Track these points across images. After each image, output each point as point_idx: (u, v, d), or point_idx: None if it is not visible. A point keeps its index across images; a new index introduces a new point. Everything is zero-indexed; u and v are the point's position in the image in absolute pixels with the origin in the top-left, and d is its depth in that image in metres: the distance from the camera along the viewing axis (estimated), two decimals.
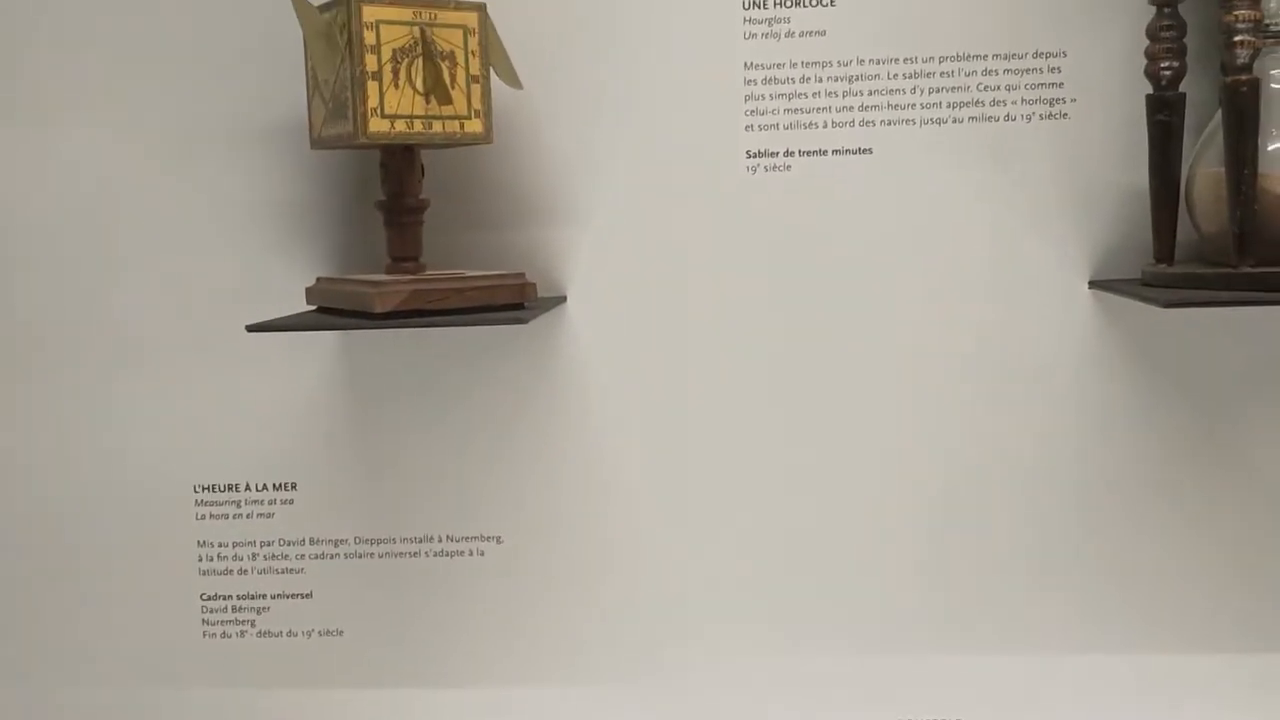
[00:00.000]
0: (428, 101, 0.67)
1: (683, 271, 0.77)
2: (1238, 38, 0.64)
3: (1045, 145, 0.75)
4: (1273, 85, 0.69)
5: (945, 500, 0.78)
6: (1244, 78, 0.64)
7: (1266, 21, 0.69)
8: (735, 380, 0.78)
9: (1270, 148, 0.68)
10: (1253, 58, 0.65)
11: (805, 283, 0.77)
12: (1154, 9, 0.70)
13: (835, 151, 0.76)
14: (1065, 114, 0.75)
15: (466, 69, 0.69)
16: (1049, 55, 0.75)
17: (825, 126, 0.76)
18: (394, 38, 0.67)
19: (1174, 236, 0.72)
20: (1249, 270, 0.65)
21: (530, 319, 0.67)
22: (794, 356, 0.77)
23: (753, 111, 0.76)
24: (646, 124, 0.76)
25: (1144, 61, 0.71)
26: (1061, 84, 0.75)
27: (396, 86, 0.67)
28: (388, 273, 0.71)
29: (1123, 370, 0.76)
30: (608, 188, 0.76)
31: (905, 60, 0.75)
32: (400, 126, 0.67)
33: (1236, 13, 0.64)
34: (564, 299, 0.77)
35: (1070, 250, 0.75)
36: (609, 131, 0.76)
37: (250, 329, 0.68)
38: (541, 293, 0.76)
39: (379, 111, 0.66)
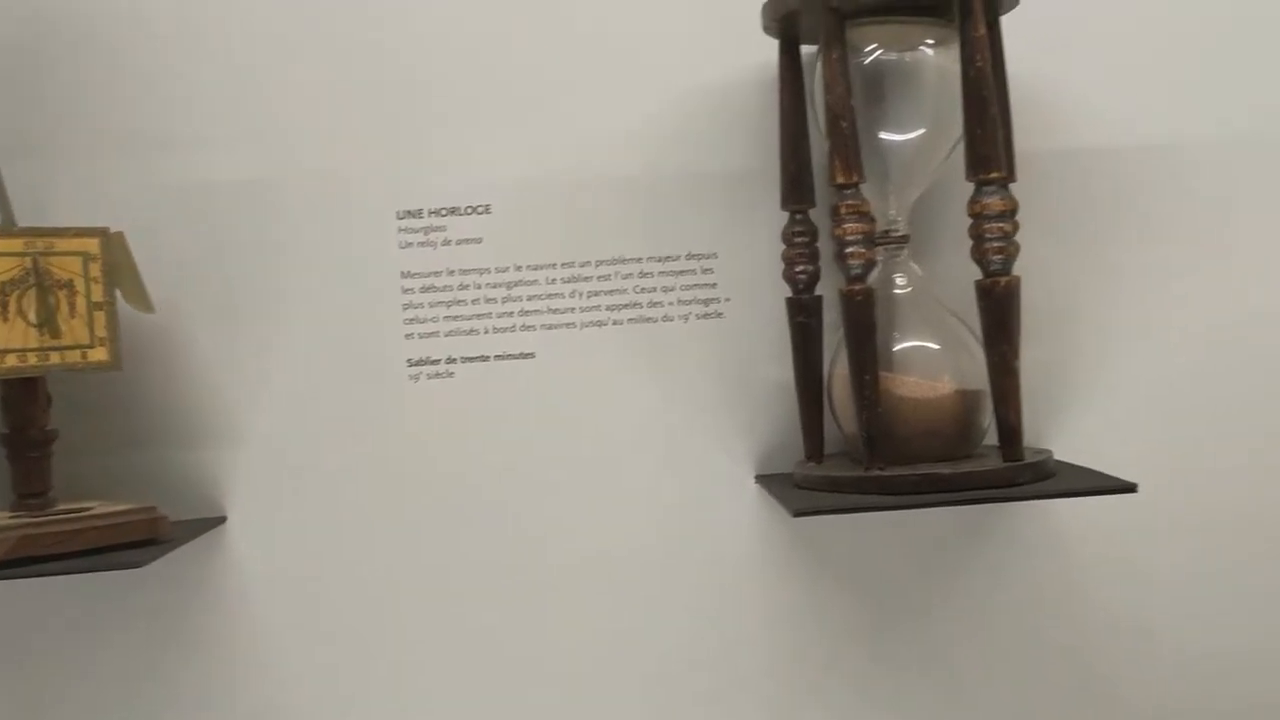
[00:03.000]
0: (41, 333, 0.65)
1: (349, 483, 0.75)
2: (849, 249, 0.67)
3: (703, 344, 0.76)
4: (896, 291, 0.71)
5: (641, 693, 0.77)
6: (858, 288, 0.66)
7: (886, 228, 0.72)
8: (410, 593, 0.76)
9: (895, 349, 0.70)
10: (868, 268, 0.67)
11: (473, 489, 0.75)
12: (787, 214, 0.73)
13: (498, 357, 0.76)
14: (720, 313, 0.76)
15: (88, 296, 0.67)
16: (701, 257, 0.76)
17: (486, 332, 0.76)
18: (3, 269, 0.65)
19: (821, 434, 0.73)
20: (877, 474, 0.67)
21: (152, 560, 0.64)
22: (469, 566, 0.76)
23: (412, 320, 0.75)
24: (305, 337, 0.75)
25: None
26: (715, 284, 0.76)
27: (6, 319, 0.64)
28: (11, 510, 0.67)
29: (794, 561, 0.76)
30: (268, 402, 0.75)
31: (563, 265, 0.76)
32: (12, 360, 0.65)
33: (846, 226, 0.66)
34: (224, 519, 0.75)
35: (735, 446, 0.76)
36: (266, 346, 0.75)
37: None
38: (200, 514, 0.74)
39: None
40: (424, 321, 0.75)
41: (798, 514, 0.64)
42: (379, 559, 0.75)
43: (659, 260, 0.76)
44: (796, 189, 0.72)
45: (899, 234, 0.71)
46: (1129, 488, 0.65)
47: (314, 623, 0.75)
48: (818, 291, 0.72)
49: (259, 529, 0.75)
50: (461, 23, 0.75)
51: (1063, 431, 0.76)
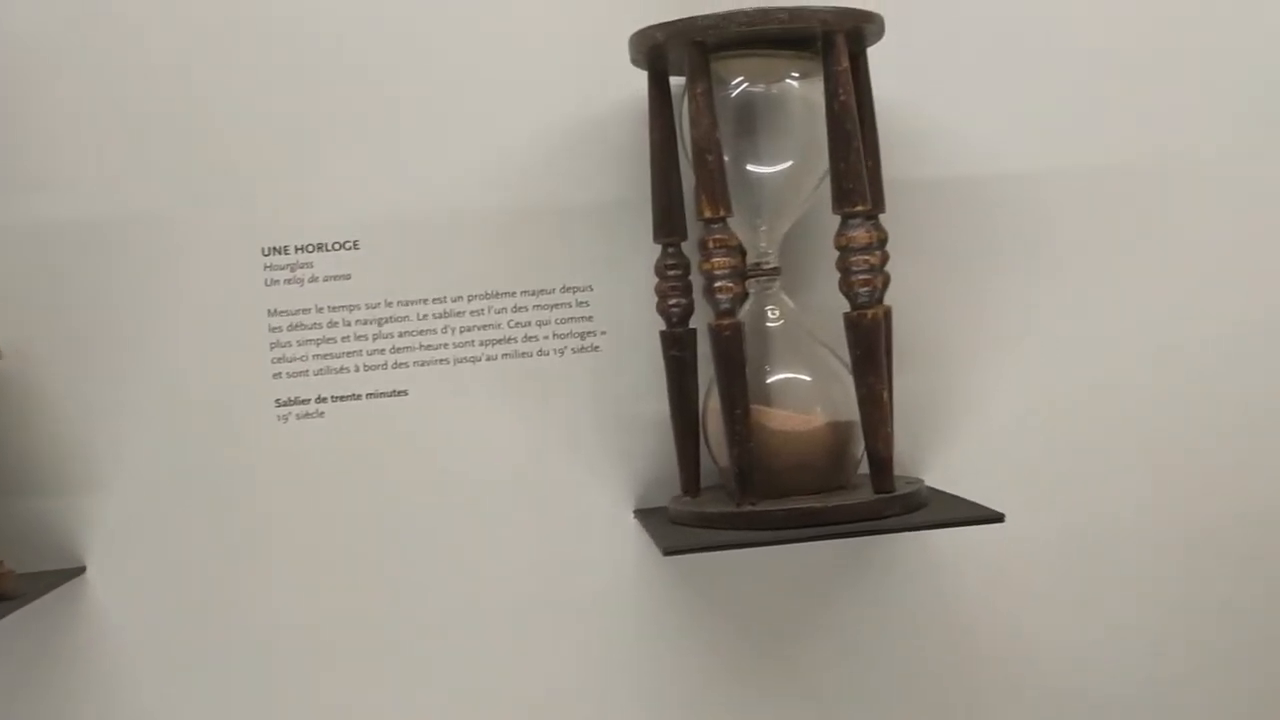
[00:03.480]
0: None
1: (215, 529, 0.73)
2: (717, 284, 0.66)
3: (580, 378, 0.75)
4: (768, 323, 0.71)
5: None
6: (726, 323, 0.66)
7: (757, 261, 0.72)
8: (279, 646, 0.73)
9: (768, 382, 0.70)
10: (737, 301, 0.67)
11: (346, 533, 0.74)
12: (660, 247, 0.72)
13: (369, 395, 0.74)
14: (597, 346, 0.75)
15: None
16: (576, 289, 0.75)
17: (357, 370, 0.74)
18: None
19: (698, 468, 0.72)
20: (749, 509, 0.66)
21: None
22: (341, 615, 0.74)
23: (280, 359, 0.73)
24: (167, 379, 0.73)
25: None
26: (591, 317, 0.75)
27: None
28: None
29: (674, 595, 0.75)
30: (129, 447, 0.72)
31: (434, 300, 0.74)
32: None
33: (714, 260, 0.66)
34: (83, 569, 0.72)
35: (614, 481, 0.75)
36: (125, 389, 0.72)
37: None
38: (58, 564, 0.71)
39: None
40: (292, 360, 0.73)
41: (668, 553, 0.63)
42: (245, 610, 0.73)
43: (533, 294, 0.75)
44: (668, 221, 0.71)
45: (770, 266, 0.71)
46: (996, 518, 0.65)
47: (177, 674, 0.73)
48: (691, 324, 0.71)
49: (120, 579, 0.72)
50: (326, 55, 0.74)
51: (938, 459, 0.76)
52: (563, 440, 0.75)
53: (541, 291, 0.75)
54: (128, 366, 0.72)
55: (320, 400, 0.74)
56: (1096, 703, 0.78)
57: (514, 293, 0.75)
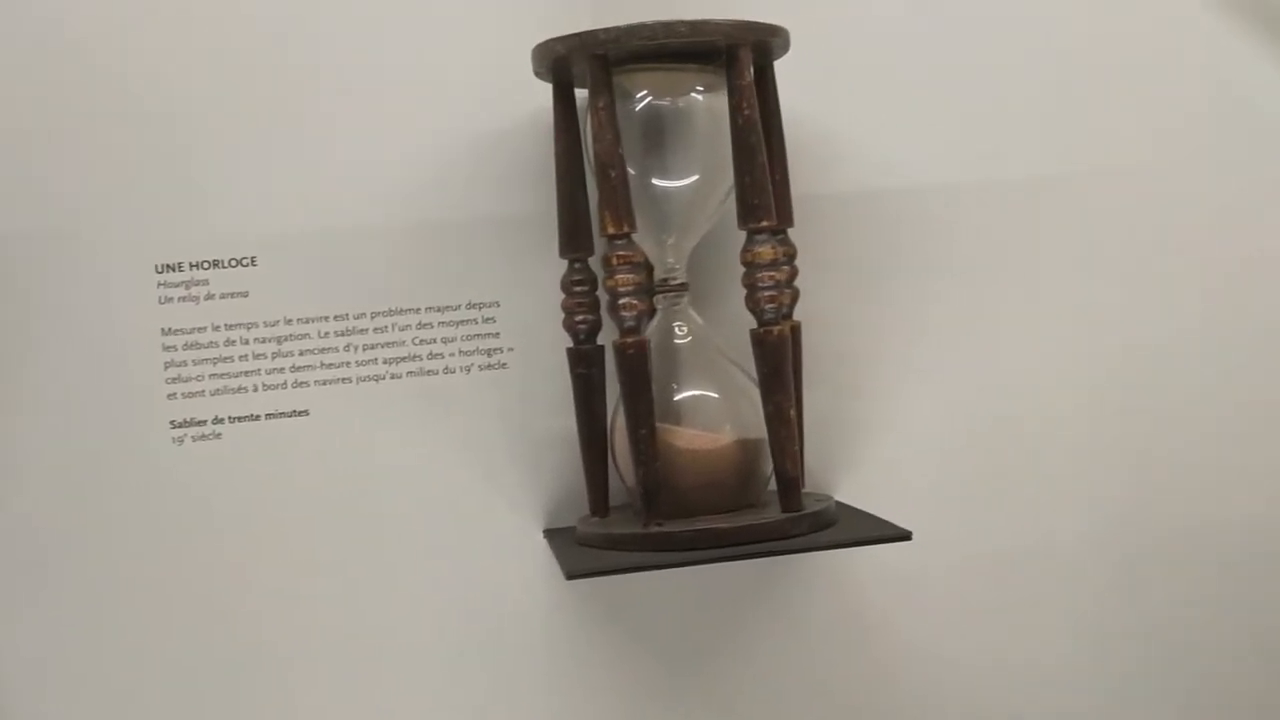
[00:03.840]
0: None
1: (109, 552, 0.70)
2: (622, 301, 0.65)
3: (487, 396, 0.73)
4: (676, 340, 0.70)
5: None
6: (630, 340, 0.64)
7: (664, 276, 0.71)
8: (169, 682, 0.71)
9: (675, 399, 0.69)
10: (642, 318, 0.66)
11: (245, 556, 0.72)
12: (566, 262, 0.71)
13: (269, 415, 0.72)
14: (504, 364, 0.74)
15: None
16: (483, 305, 0.74)
17: (256, 390, 0.72)
18: None
19: (606, 487, 0.71)
20: (655, 530, 0.65)
21: None
22: (244, 639, 0.72)
23: (175, 379, 0.71)
24: (58, 402, 0.70)
25: None
26: (498, 334, 0.74)
27: None
28: None
29: (585, 616, 0.74)
30: (13, 475, 0.70)
31: (335, 318, 0.72)
32: None
33: (618, 277, 0.65)
34: None
35: (522, 499, 0.74)
36: (14, 412, 0.69)
37: None
38: None
39: None
40: (188, 380, 0.71)
41: (570, 576, 0.62)
42: (138, 636, 0.71)
43: (438, 310, 0.73)
44: (574, 237, 0.70)
45: (678, 282, 0.70)
46: (904, 536, 0.65)
47: (62, 701, 0.70)
48: (599, 341, 0.70)
49: (7, 604, 0.69)
50: (221, 67, 0.72)
51: (849, 476, 0.75)
52: (470, 459, 0.73)
53: (447, 308, 0.74)
54: (15, 389, 0.70)
55: (217, 421, 0.72)
56: (1019, 706, 0.78)
57: (418, 309, 0.73)
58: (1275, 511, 0.79)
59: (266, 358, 0.72)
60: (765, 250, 0.65)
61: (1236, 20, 0.79)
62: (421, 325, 0.73)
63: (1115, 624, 0.78)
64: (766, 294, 0.65)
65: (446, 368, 0.73)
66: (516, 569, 0.73)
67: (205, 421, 0.71)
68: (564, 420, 0.72)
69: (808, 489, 0.73)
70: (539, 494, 0.74)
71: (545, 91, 0.70)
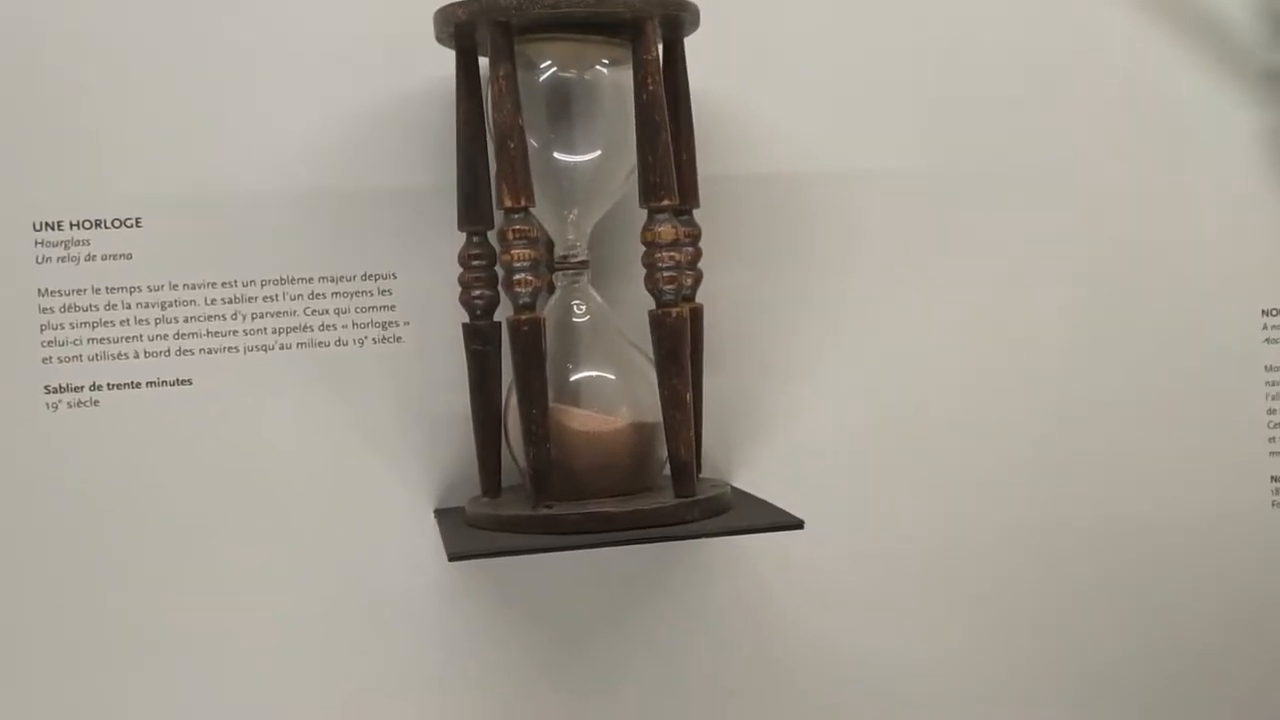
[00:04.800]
0: None
1: None
2: (516, 276, 0.63)
3: (380, 370, 0.71)
4: (575, 319, 0.69)
5: None
6: (524, 318, 0.63)
7: (565, 253, 0.69)
8: (41, 654, 0.68)
9: (571, 380, 0.68)
10: (537, 295, 0.64)
11: (123, 528, 0.69)
12: (464, 236, 0.69)
13: (150, 384, 0.69)
14: (399, 337, 0.72)
15: None
16: (379, 277, 0.72)
17: (137, 357, 0.69)
18: None
19: (498, 468, 0.69)
20: (544, 513, 0.64)
21: None
22: (122, 612, 0.69)
23: (51, 343, 0.68)
24: None
25: None
26: (394, 306, 0.72)
27: None
28: None
29: (477, 597, 0.72)
30: None
31: (224, 285, 0.70)
32: None
33: (513, 252, 0.63)
34: None
35: (414, 477, 0.72)
36: None
37: None
38: None
39: None
40: (64, 344, 0.68)
41: (453, 558, 0.60)
42: (11, 607, 0.68)
43: (332, 280, 0.71)
44: (473, 209, 0.68)
45: (579, 259, 0.68)
46: (796, 524, 0.64)
47: None
48: (496, 317, 0.68)
49: None
50: (113, 19, 0.68)
51: (750, 461, 0.75)
52: (361, 435, 0.71)
53: (341, 278, 0.71)
54: None
55: (95, 388, 0.69)
56: (903, 708, 0.78)
57: (311, 279, 0.71)
58: (1171, 505, 0.80)
59: (149, 323, 0.69)
60: (666, 230, 0.63)
61: (1150, 16, 0.80)
62: (314, 295, 0.71)
63: (1009, 616, 0.78)
64: (666, 275, 0.64)
65: (339, 340, 0.71)
66: (405, 548, 0.71)
67: (82, 388, 0.68)
68: (460, 397, 0.70)
69: (707, 474, 0.73)
70: (432, 472, 0.72)
71: (450, 57, 0.68)
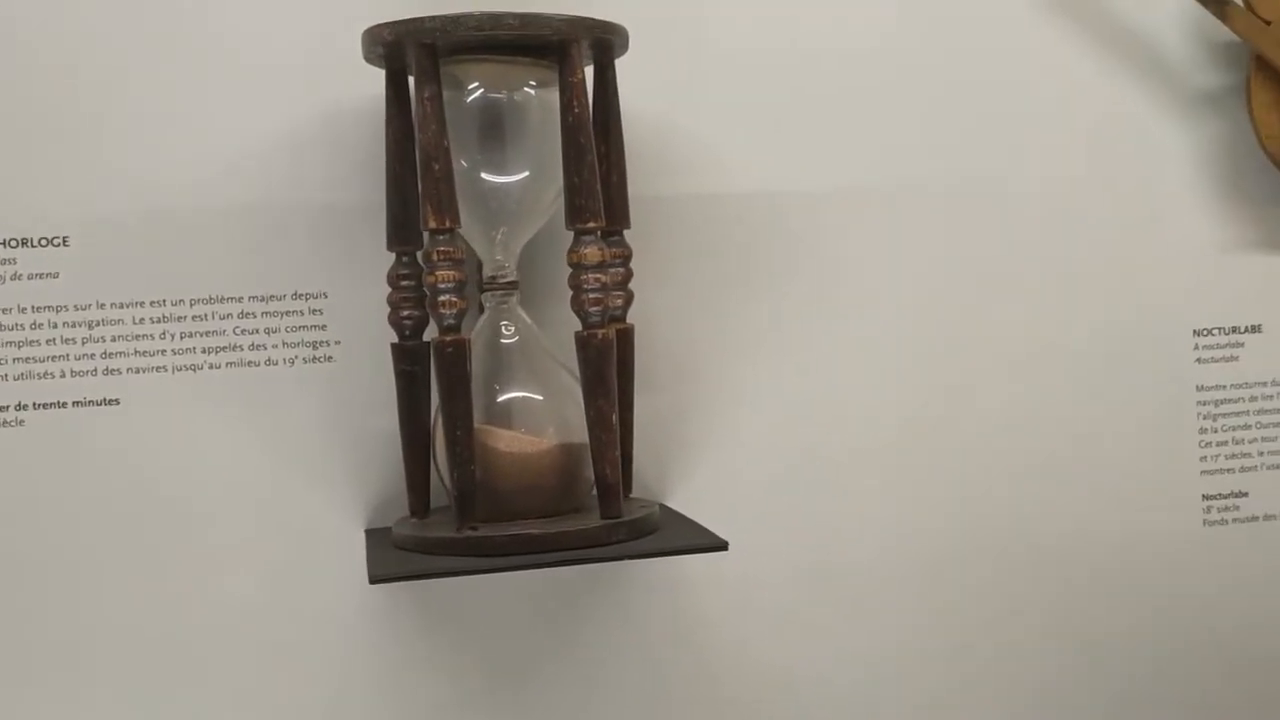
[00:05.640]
0: None
1: None
2: (441, 298, 0.63)
3: (310, 390, 0.71)
4: (502, 340, 0.68)
5: None
6: (449, 339, 0.63)
7: (494, 274, 0.69)
8: None
9: (499, 400, 0.68)
10: (462, 316, 0.63)
11: (50, 551, 0.68)
12: (394, 256, 0.69)
13: (76, 403, 0.69)
14: (330, 357, 0.71)
15: None
16: (310, 297, 0.71)
17: (63, 376, 0.68)
18: None
19: (427, 488, 0.69)
20: (469, 535, 0.63)
21: None
22: (50, 636, 0.68)
23: None
24: None
25: None
26: (324, 326, 0.71)
27: None
28: None
29: (405, 620, 0.72)
30: None
31: (152, 304, 0.69)
32: None
33: (438, 273, 0.63)
34: None
35: (345, 497, 0.71)
36: None
37: None
38: None
39: None
40: None
41: (374, 580, 0.60)
42: None
43: (262, 299, 0.71)
44: (401, 229, 0.68)
45: (507, 280, 0.68)
46: (720, 546, 0.64)
47: None
48: (425, 338, 0.68)
49: None
50: (37, 33, 0.68)
51: (681, 481, 0.75)
52: (290, 455, 0.71)
53: (271, 297, 0.71)
54: None
55: (20, 408, 0.68)
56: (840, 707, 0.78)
57: (241, 298, 0.70)
58: (1104, 524, 0.80)
59: (76, 343, 0.69)
60: (592, 251, 0.64)
61: (1082, 38, 0.80)
62: (244, 314, 0.70)
63: (940, 634, 0.79)
64: (592, 296, 0.64)
65: (269, 359, 0.71)
66: (335, 569, 0.71)
67: (7, 407, 0.68)
68: (390, 417, 0.70)
69: (638, 493, 0.73)
70: (362, 492, 0.72)
71: (381, 76, 0.68)
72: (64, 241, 0.69)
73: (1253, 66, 0.79)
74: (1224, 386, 0.82)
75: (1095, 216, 0.80)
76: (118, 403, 0.69)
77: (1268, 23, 0.78)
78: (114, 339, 0.69)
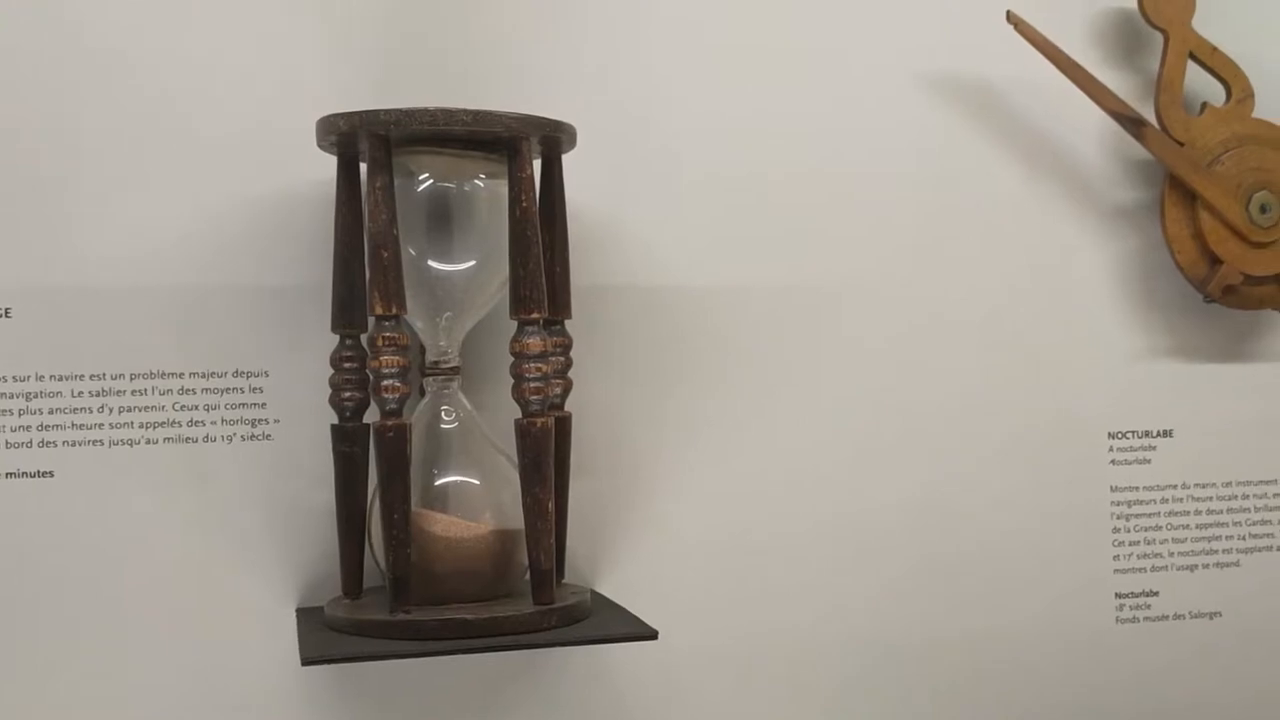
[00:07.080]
0: None
1: None
2: (385, 383, 0.64)
3: (248, 467, 0.71)
4: (443, 425, 0.69)
5: None
6: (390, 423, 0.64)
7: (436, 359, 0.70)
8: None
9: (436, 484, 0.69)
10: (404, 401, 0.65)
11: None
12: (337, 337, 0.70)
13: (9, 474, 0.68)
14: (269, 435, 0.72)
15: None
16: (250, 374, 0.72)
17: None
18: None
19: (360, 568, 0.69)
20: (401, 618, 0.64)
21: None
22: None
23: None
24: None
25: None
26: (264, 404, 0.72)
27: None
28: None
29: (338, 704, 0.72)
30: None
31: (92, 377, 0.69)
32: None
33: (383, 358, 0.64)
34: None
35: (277, 575, 0.71)
36: None
37: None
38: None
39: None
40: None
41: (306, 662, 0.60)
42: None
43: (203, 376, 0.71)
44: (346, 312, 0.69)
45: (450, 365, 0.70)
46: (650, 635, 0.65)
47: None
48: (366, 419, 0.69)
49: None
50: None
51: (615, 567, 0.76)
52: (225, 532, 0.71)
53: (213, 374, 0.71)
54: None
55: None
56: None
57: (182, 374, 0.71)
58: (1018, 619, 0.82)
59: (12, 414, 0.68)
60: (534, 342, 0.65)
61: (1004, 151, 0.84)
62: (184, 391, 0.71)
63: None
64: (532, 385, 0.65)
65: (207, 436, 0.71)
66: (265, 648, 0.71)
67: None
68: (327, 496, 0.70)
69: (571, 578, 0.74)
70: (296, 571, 0.72)
71: (331, 161, 0.69)
72: (5, 313, 0.69)
73: (1166, 184, 0.84)
74: (1137, 488, 0.85)
75: (1018, 322, 0.83)
76: (51, 475, 0.69)
77: (1181, 144, 0.83)
78: (51, 411, 0.69)
